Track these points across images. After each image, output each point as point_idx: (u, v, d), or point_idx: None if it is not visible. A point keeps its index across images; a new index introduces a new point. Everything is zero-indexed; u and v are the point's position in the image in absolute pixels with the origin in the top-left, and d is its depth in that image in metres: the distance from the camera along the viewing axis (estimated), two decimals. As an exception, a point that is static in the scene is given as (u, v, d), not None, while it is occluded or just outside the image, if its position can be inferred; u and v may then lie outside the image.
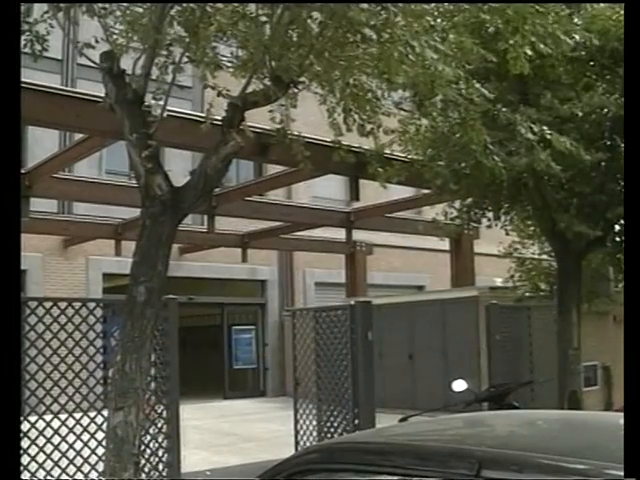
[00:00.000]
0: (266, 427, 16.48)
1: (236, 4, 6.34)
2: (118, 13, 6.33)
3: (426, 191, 13.01)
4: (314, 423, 11.52)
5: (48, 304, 8.61)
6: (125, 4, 6.56)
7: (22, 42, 6.27)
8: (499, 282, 18.23)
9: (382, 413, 10.92)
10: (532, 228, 13.85)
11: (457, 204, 12.25)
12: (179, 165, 16.15)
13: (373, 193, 13.89)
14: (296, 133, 7.01)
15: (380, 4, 6.03)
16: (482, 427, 3.92)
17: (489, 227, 12.37)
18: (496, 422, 4.02)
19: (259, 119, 7.38)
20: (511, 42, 6.63)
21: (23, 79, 9.19)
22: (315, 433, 11.46)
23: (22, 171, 12.78)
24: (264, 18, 6.28)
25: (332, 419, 11.18)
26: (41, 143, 17.56)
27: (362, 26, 6.12)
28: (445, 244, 19.27)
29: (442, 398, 12.43)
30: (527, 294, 15.28)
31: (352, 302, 11.46)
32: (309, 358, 11.81)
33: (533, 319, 14.81)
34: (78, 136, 11.82)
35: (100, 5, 6.33)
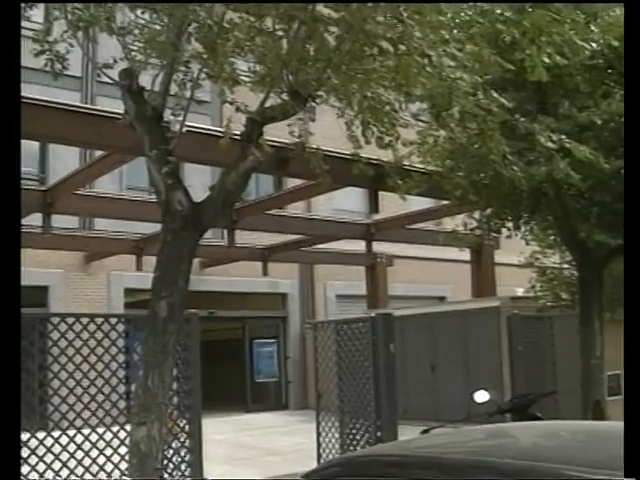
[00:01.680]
0: (289, 440, 16.46)
1: (252, 19, 6.37)
2: (136, 31, 6.39)
3: (445, 202, 12.99)
4: (337, 436, 11.50)
5: (70, 320, 8.66)
6: (142, 22, 6.62)
7: (43, 61, 6.35)
8: (520, 292, 18.15)
9: (404, 425, 10.88)
10: (552, 237, 13.77)
11: (477, 214, 12.22)
12: (198, 180, 16.21)
13: (393, 205, 13.88)
14: (315, 146, 7.03)
15: (396, 18, 6.05)
16: (506, 439, 3.90)
17: (509, 237, 12.32)
18: (520, 433, 4.00)
19: (277, 133, 7.41)
20: (528, 52, 6.63)
21: (43, 97, 9.32)
22: (338, 446, 11.44)
23: (44, 188, 12.90)
24: (281, 33, 6.31)
25: (354, 431, 11.17)
26: (62, 160, 17.68)
27: (379, 39, 6.14)
28: (466, 255, 19.21)
29: (464, 409, 12.37)
30: (549, 304, 15.19)
31: (373, 314, 11.45)
32: (331, 371, 11.80)
33: (555, 329, 14.73)
34: (98, 153, 11.89)
35: (119, 24, 6.39)
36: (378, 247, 20.20)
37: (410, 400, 16.72)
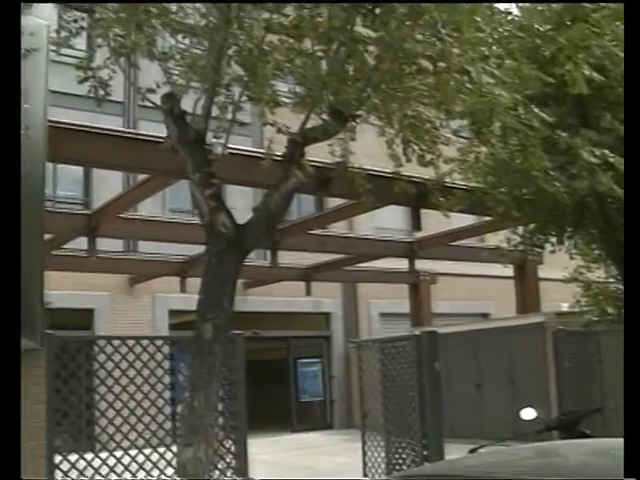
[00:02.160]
0: (334, 460, 16.40)
1: (291, 41, 6.42)
2: (177, 56, 6.46)
3: (488, 218, 12.93)
4: (382, 455, 11.46)
5: (116, 342, 8.75)
6: (183, 46, 6.70)
7: (86, 88, 6.45)
8: (565, 307, 17.96)
9: (450, 443, 10.80)
10: (597, 251, 13.64)
11: (520, 230, 12.15)
12: (240, 201, 16.28)
13: (435, 222, 13.84)
14: (356, 166, 7.05)
15: (435, 35, 6.06)
16: (555, 457, 3.86)
17: (553, 252, 12.23)
18: (568, 452, 3.96)
19: (318, 153, 7.45)
20: (567, 67, 6.61)
21: (87, 123, 9.46)
22: (384, 465, 11.39)
23: (89, 212, 13.06)
24: (320, 54, 6.36)
25: (400, 451, 11.11)
26: (106, 184, 17.88)
27: (418, 57, 6.16)
28: (509, 270, 19.07)
29: (511, 427, 12.23)
30: (594, 319, 15.01)
31: (417, 332, 11.41)
32: (376, 390, 11.77)
33: (602, 344, 14.55)
34: (142, 176, 12.02)
35: (160, 49, 6.47)
36: (421, 265, 20.14)
37: (455, 418, 16.58)
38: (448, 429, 11.89)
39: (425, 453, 10.58)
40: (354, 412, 21.12)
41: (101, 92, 6.50)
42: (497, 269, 18.09)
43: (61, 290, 14.84)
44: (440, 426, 10.83)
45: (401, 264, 19.38)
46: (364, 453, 11.66)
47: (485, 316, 26.06)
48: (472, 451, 6.43)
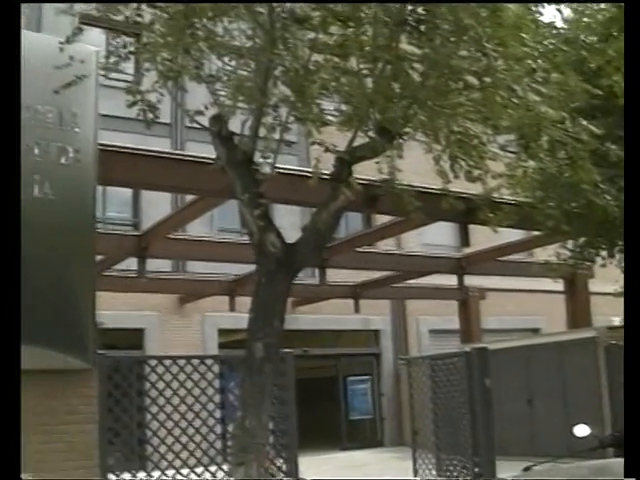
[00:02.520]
0: (385, 478, 16.30)
1: (337, 60, 6.45)
2: (224, 78, 6.53)
3: (537, 233, 12.83)
4: (434, 473, 11.39)
5: (167, 361, 8.82)
6: (230, 68, 6.77)
7: (135, 111, 6.54)
8: (617, 321, 17.70)
9: (502, 461, 10.69)
10: (649, 265, 13.43)
11: (570, 244, 12.03)
12: (288, 220, 16.38)
13: (483, 237, 13.76)
14: (404, 183, 7.04)
15: (480, 51, 6.05)
16: (610, 475, 3.82)
17: (604, 266, 12.08)
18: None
19: (365, 170, 7.45)
20: (615, 78, 6.56)
21: (136, 145, 9.57)
22: (435, 483, 11.33)
23: (138, 233, 13.19)
24: (366, 72, 6.38)
25: (452, 468, 11.04)
26: (155, 205, 18.06)
27: (463, 73, 6.15)
28: (559, 285, 18.87)
29: (564, 444, 12.06)
30: (648, 333, 14.76)
31: (468, 348, 11.34)
32: (426, 407, 11.71)
33: (656, 358, 14.29)
34: (190, 197, 12.12)
35: (207, 72, 6.55)
36: (470, 280, 20.01)
37: (507, 435, 16.39)
38: (499, 446, 11.76)
39: (477, 471, 10.49)
40: (404, 429, 20.99)
41: (150, 115, 6.59)
42: (547, 283, 17.92)
43: (112, 310, 14.99)
44: (492, 443, 10.73)
45: (450, 280, 19.28)
46: (415, 471, 11.59)
47: (535, 331, 25.77)
48: (526, 469, 6.35)
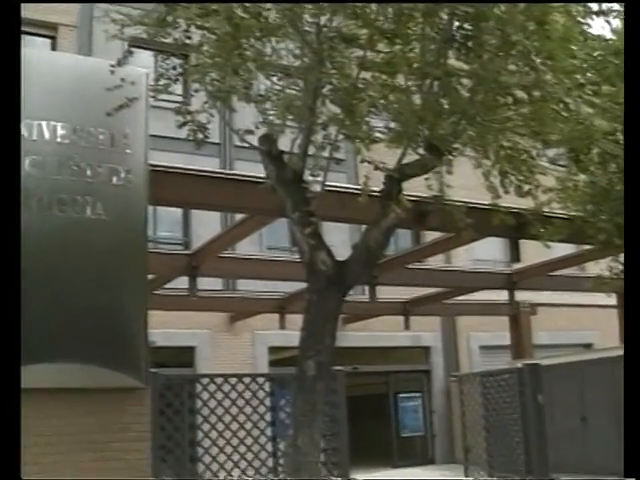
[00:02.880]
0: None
1: (385, 77, 6.46)
2: (273, 98, 6.57)
3: (588, 247, 12.67)
4: (487, 491, 11.27)
5: (219, 380, 8.86)
6: (278, 87, 6.81)
7: (184, 132, 6.61)
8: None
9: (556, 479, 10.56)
10: None
11: (622, 258, 11.86)
12: (337, 237, 16.35)
13: (534, 252, 13.64)
14: (454, 199, 7.02)
15: (528, 65, 6.02)
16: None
17: (658, 279, 11.88)
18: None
19: (413, 186, 7.45)
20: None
21: (185, 165, 9.66)
22: (489, 502, 11.21)
23: (189, 252, 13.29)
24: (414, 89, 6.38)
25: (506, 486, 10.92)
26: (205, 224, 18.19)
27: (512, 88, 6.12)
28: (612, 299, 18.60)
29: (619, 462, 11.90)
30: None
31: (519, 365, 11.23)
32: (478, 424, 11.61)
33: None
34: (239, 216, 12.18)
35: (255, 91, 6.59)
36: (521, 296, 19.82)
37: (561, 452, 16.12)
38: (553, 464, 11.60)
39: (530, 488, 10.38)
40: (456, 447, 20.82)
41: (200, 135, 6.65)
42: (599, 298, 17.69)
43: (163, 329, 15.10)
44: (545, 461, 10.60)
45: (500, 296, 19.12)
46: (468, 489, 11.49)
47: (588, 347, 25.42)
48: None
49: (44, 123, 7.44)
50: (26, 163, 7.24)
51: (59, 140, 7.51)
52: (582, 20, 6.64)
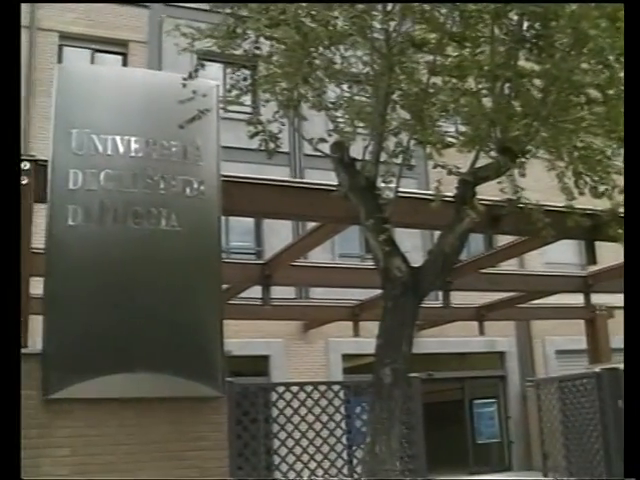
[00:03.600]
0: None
1: (455, 81, 6.42)
2: (344, 105, 6.57)
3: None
4: (567, 498, 11.08)
5: (295, 388, 8.88)
6: (348, 94, 6.82)
7: (254, 142, 6.65)
8: None
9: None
10: None
11: None
12: (410, 243, 16.28)
13: (609, 254, 13.38)
14: (531, 201, 6.93)
15: (602, 63, 5.92)
16: None
17: None
18: None
19: (483, 189, 7.37)
20: None
21: (254, 175, 9.73)
22: (571, 509, 11.01)
23: (262, 261, 13.38)
24: (485, 91, 6.33)
25: (586, 493, 10.71)
26: (277, 233, 18.30)
27: (585, 87, 6.03)
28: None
29: None
30: None
31: (597, 369, 11.02)
32: (556, 430, 11.41)
33: None
34: (311, 224, 12.21)
35: (326, 99, 6.61)
36: (597, 299, 19.48)
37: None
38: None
39: (613, 495, 10.16)
40: (533, 453, 20.52)
41: (271, 144, 6.68)
42: (679, 300, 17.24)
43: (237, 338, 15.20)
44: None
45: (576, 299, 18.81)
46: (548, 496, 11.30)
47: (668, 350, 24.87)
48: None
49: (118, 138, 7.57)
50: (101, 177, 7.38)
51: (133, 154, 7.63)
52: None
